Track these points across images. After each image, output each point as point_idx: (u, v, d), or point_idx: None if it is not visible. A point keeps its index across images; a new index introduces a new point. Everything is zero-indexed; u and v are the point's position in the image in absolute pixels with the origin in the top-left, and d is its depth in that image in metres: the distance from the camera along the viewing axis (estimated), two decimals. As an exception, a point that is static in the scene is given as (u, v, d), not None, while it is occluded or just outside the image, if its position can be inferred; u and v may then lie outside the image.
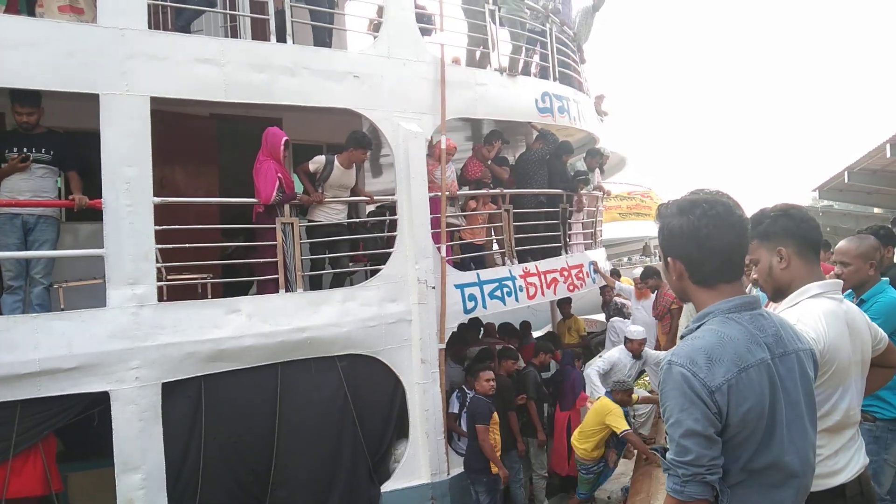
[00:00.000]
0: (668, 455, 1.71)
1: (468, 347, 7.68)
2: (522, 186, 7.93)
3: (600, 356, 8.53)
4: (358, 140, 6.16)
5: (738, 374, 1.65)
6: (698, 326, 1.80)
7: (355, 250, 6.78)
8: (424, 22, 6.94)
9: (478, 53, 7.85)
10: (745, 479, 1.70)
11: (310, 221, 6.17)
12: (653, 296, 8.33)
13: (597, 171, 9.46)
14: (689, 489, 1.65)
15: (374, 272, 6.27)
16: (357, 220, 6.96)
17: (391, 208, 6.66)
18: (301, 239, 5.83)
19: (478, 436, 5.97)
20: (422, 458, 6.11)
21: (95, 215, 5.01)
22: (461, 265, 7.12)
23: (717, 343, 1.69)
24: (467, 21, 7.71)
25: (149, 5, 5.20)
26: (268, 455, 5.47)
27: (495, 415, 6.11)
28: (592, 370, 7.30)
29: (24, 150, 4.97)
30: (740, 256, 1.82)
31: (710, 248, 1.77)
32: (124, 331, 4.91)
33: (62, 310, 4.94)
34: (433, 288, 6.26)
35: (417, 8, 6.84)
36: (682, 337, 1.85)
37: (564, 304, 9.57)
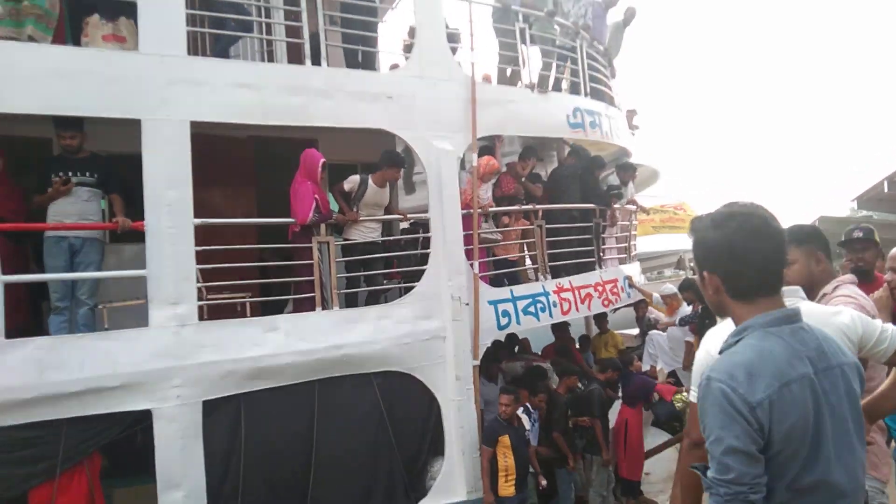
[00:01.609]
0: (709, 473, 1.67)
1: (500, 364, 7.63)
2: (555, 202, 7.90)
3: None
4: (391, 159, 6.25)
5: (780, 390, 1.61)
6: (737, 341, 1.76)
7: (389, 268, 6.83)
8: (451, 40, 7.00)
9: (508, 70, 7.88)
10: (791, 498, 1.65)
11: (345, 240, 6.24)
12: (687, 308, 8.21)
13: (630, 184, 9.40)
14: (731, 509, 1.61)
15: (407, 289, 6.30)
16: (391, 237, 7.01)
17: (424, 225, 6.70)
18: (337, 257, 5.90)
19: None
20: (458, 475, 6.07)
21: (138, 237, 5.13)
22: (494, 281, 7.11)
23: (757, 358, 1.66)
24: (498, 40, 7.76)
25: (188, 32, 5.35)
26: (305, 471, 5.49)
27: (506, 438, 5.94)
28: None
29: (69, 174, 5.14)
30: (778, 269, 1.79)
31: (747, 261, 1.74)
32: (166, 350, 5.00)
33: (106, 329, 5.07)
34: (467, 304, 6.26)
35: (448, 28, 6.92)
36: (720, 352, 1.81)
37: (601, 318, 9.48)
